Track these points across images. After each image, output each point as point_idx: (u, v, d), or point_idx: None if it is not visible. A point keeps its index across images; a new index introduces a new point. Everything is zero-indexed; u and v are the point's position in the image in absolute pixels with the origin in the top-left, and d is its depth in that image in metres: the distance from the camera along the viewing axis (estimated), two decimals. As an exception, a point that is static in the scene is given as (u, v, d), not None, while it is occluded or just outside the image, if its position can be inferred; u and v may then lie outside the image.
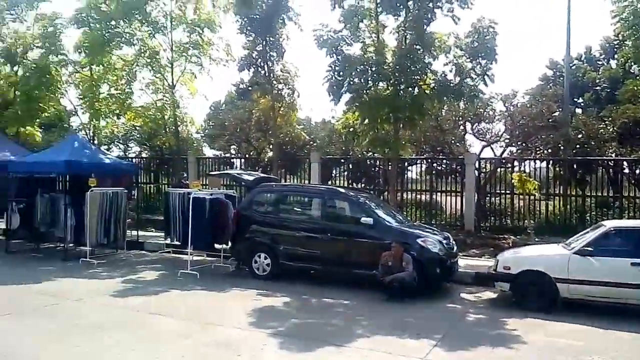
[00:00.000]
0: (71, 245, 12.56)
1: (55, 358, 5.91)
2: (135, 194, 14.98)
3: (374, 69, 12.10)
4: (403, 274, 8.66)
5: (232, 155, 23.91)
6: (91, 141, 16.79)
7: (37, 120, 19.16)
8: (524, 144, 17.82)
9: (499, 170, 16.38)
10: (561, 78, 19.00)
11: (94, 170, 12.88)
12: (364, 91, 12.37)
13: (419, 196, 16.60)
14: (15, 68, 18.86)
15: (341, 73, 12.14)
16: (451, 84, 12.15)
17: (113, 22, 15.55)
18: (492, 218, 15.66)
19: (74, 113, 18.98)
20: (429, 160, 17.92)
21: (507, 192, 15.48)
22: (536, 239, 12.37)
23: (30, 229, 13.27)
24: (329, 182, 17.25)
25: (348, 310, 8.23)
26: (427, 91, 12.39)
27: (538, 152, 17.64)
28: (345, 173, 18.78)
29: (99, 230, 12.13)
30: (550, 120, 16.73)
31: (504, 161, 16.85)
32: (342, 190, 11.78)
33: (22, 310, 7.83)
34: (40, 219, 12.89)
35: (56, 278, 10.17)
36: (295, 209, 11.24)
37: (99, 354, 6.01)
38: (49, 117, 19.12)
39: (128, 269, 11.33)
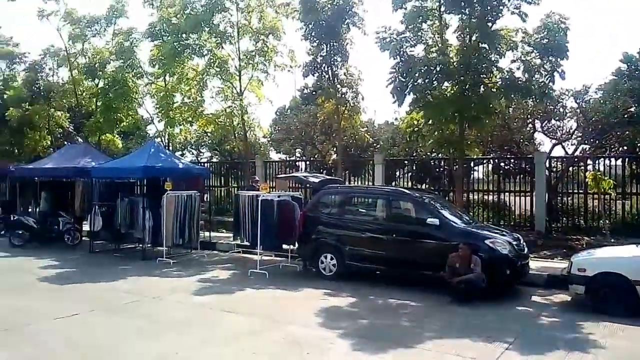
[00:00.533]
0: (149, 245, 13.28)
1: (137, 353, 6.30)
2: (207, 197, 15.62)
3: (438, 68, 12.00)
4: (471, 276, 8.55)
5: (297, 159, 24.36)
6: (166, 147, 17.71)
7: (117, 128, 20.44)
8: (597, 142, 16.96)
9: (571, 169, 15.72)
10: (637, 72, 17.86)
11: (169, 174, 13.67)
12: (428, 91, 12.31)
13: (486, 197, 16.23)
14: (96, 81, 20.23)
15: (405, 74, 12.13)
16: (519, 82, 11.84)
17: (184, 35, 16.34)
18: (564, 218, 15.06)
19: (150, 121, 20.09)
20: (496, 160, 17.46)
21: (580, 191, 14.86)
22: (612, 240, 11.80)
23: (111, 230, 14.17)
24: (393, 184, 17.21)
25: (415, 311, 8.23)
26: (494, 89, 12.14)
27: (613, 150, 16.73)
28: (409, 174, 18.66)
29: (175, 231, 12.76)
30: (625, 116, 15.81)
31: (576, 159, 16.15)
32: (408, 191, 11.77)
33: (106, 307, 8.40)
34: (120, 221, 13.73)
35: (136, 276, 10.83)
36: (360, 210, 11.34)
37: (177, 349, 6.37)
38: (127, 125, 20.33)
39: (201, 268, 11.86)
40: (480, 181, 17.28)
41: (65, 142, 22.80)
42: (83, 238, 15.20)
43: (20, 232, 14.98)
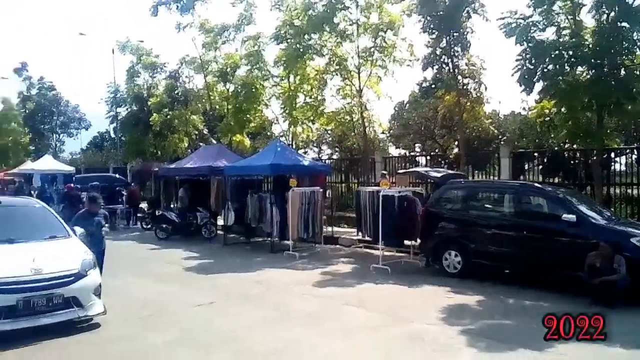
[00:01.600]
0: (276, 239, 13.96)
1: (266, 341, 6.64)
2: (329, 193, 16.02)
3: (570, 52, 11.08)
4: (614, 277, 7.83)
5: (417, 153, 23.97)
6: (290, 146, 18.44)
7: (246, 129, 21.72)
8: None
9: None
10: None
11: (294, 171, 14.23)
12: (560, 78, 11.41)
13: (629, 190, 14.66)
14: (228, 85, 21.67)
15: (533, 60, 11.37)
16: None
17: (306, 36, 16.87)
18: None
19: (275, 121, 21.08)
20: (642, 150, 15.68)
21: None
22: None
23: (242, 224, 15.12)
24: (521, 178, 16.24)
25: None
26: (637, 72, 10.93)
27: None
28: (539, 167, 17.45)
29: (300, 225, 13.26)
30: None
31: None
32: (539, 185, 11.05)
33: (239, 296, 8.98)
34: (250, 215, 14.60)
35: (265, 268, 11.44)
36: (486, 205, 10.90)
37: (301, 339, 6.65)
38: (255, 126, 21.52)
39: (325, 261, 12.19)
40: (623, 174, 15.64)
41: (201, 144, 24.75)
42: (218, 232, 16.39)
43: (164, 226, 16.57)
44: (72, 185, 19.76)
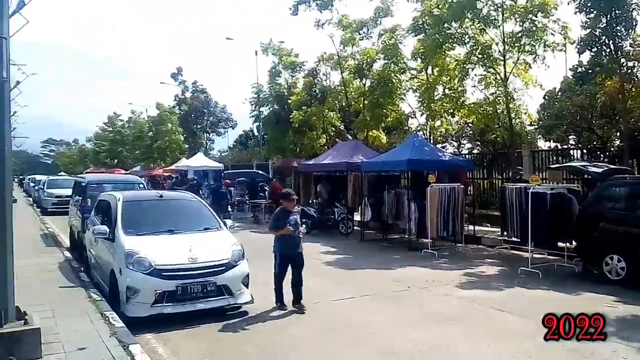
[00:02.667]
0: (414, 236, 13.64)
1: (407, 341, 6.45)
2: (471, 190, 15.27)
3: None
4: None
5: (571, 146, 21.83)
6: (428, 140, 17.91)
7: (382, 124, 21.57)
8: None
9: None
10: None
11: (433, 167, 13.78)
12: None
13: None
14: (364, 80, 21.71)
15: None
16: None
17: (445, 25, 16.20)
18: None
19: (412, 115, 20.64)
20: None
21: None
22: None
23: (379, 220, 15.04)
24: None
25: None
26: None
27: None
28: None
29: (439, 223, 12.81)
30: None
31: None
32: None
33: (377, 293, 8.87)
34: (387, 212, 14.45)
35: (402, 266, 11.22)
36: (657, 205, 9.52)
37: (443, 341, 6.33)
38: (392, 121, 21.27)
39: (467, 262, 11.62)
40: None
41: (337, 140, 25.14)
42: (354, 227, 16.50)
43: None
44: (228, 181, 21.43)
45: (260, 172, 26.57)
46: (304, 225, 8.38)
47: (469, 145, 26.68)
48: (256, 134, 35.66)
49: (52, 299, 7.71)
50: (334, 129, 26.44)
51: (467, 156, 21.31)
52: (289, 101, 26.32)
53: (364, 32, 21.56)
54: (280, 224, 7.74)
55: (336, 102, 25.34)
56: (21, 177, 69.27)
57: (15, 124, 36.62)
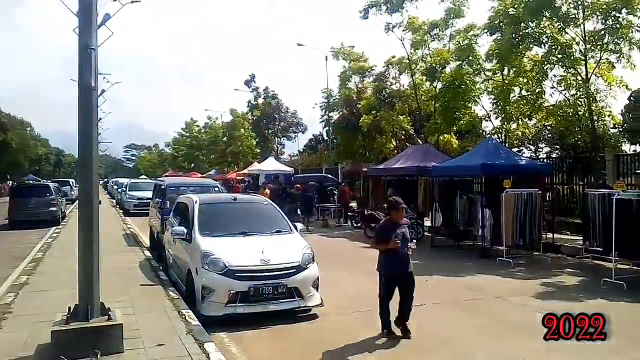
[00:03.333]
0: (487, 244, 13.18)
1: (482, 350, 6.29)
2: (549, 196, 14.54)
3: None
4: None
5: (660, 151, 20.33)
6: (503, 144, 17.29)
7: (454, 128, 21.07)
8: None
9: None
10: None
11: (509, 172, 13.27)
12: None
13: None
14: (435, 83, 21.32)
15: None
16: None
17: (522, 25, 15.60)
18: None
19: (486, 119, 20.02)
20: None
21: None
22: None
23: (451, 227, 14.66)
24: None
25: None
26: None
27: None
28: None
29: (515, 230, 12.30)
30: None
31: None
32: None
33: (450, 301, 8.64)
34: (459, 218, 14.06)
35: (475, 274, 10.87)
36: None
37: (522, 353, 6.07)
38: (465, 124, 20.74)
39: (545, 271, 11.09)
40: None
41: (407, 144, 24.85)
42: (425, 233, 16.19)
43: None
44: (299, 185, 21.74)
45: (329, 176, 26.74)
46: (414, 241, 7.33)
47: (547, 150, 25.53)
48: (326, 138, 36.01)
49: (133, 296, 8.16)
50: (404, 133, 26.15)
51: (545, 161, 20.37)
52: (359, 106, 26.34)
53: (435, 34, 21.20)
54: (386, 238, 6.61)
55: (406, 105, 25.07)
56: (105, 180, 73.85)
57: (101, 130, 39.13)
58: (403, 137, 26.40)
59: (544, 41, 15.58)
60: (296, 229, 8.78)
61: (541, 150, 24.86)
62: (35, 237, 16.57)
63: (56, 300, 7.68)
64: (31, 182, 36.55)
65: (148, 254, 12.78)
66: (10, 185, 48.39)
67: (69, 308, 5.76)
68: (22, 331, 6.36)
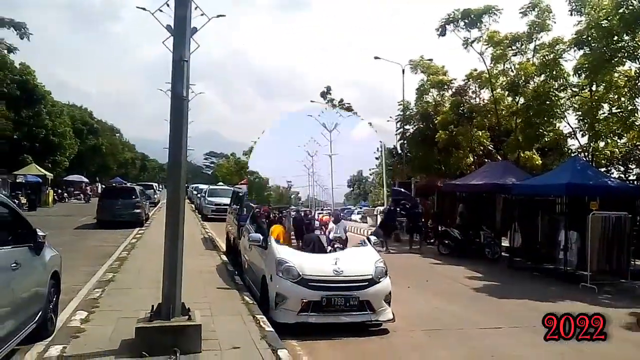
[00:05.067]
0: (570, 268, 12.48)
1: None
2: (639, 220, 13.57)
3: None
4: None
5: None
6: (590, 163, 16.38)
7: (536, 145, 20.19)
8: None
9: None
10: None
11: (596, 193, 12.53)
12: None
13: None
14: (517, 98, 20.55)
15: None
16: None
17: (615, 38, 14.77)
18: None
19: (571, 136, 19.05)
20: None
21: None
22: None
23: (530, 248, 14.01)
24: None
25: None
26: None
27: None
28: None
29: (601, 255, 11.59)
30: None
31: None
32: None
33: (527, 325, 8.13)
34: (540, 239, 13.43)
35: (557, 299, 10.31)
36: None
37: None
38: (549, 141, 19.81)
39: (633, 300, 10.44)
40: None
41: (486, 160, 24.08)
42: (502, 253, 15.60)
43: (446, 241, 16.64)
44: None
45: (402, 189, 26.38)
46: None
47: (637, 171, 23.70)
48: (399, 151, 35.65)
49: (210, 298, 8.46)
50: (482, 148, 25.38)
51: (635, 182, 19.03)
52: (435, 120, 25.90)
53: (516, 48, 20.49)
54: None
55: (485, 120, 24.33)
56: (186, 185, 77.15)
57: (184, 138, 41.01)
58: (481, 152, 25.61)
59: (639, 55, 14.67)
60: (369, 241, 8.76)
61: (631, 171, 23.12)
62: (120, 237, 17.56)
63: (138, 297, 8.10)
64: (117, 184, 38.91)
65: (224, 257, 13.20)
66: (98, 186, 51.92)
67: (152, 306, 6.04)
68: (107, 325, 6.73)
